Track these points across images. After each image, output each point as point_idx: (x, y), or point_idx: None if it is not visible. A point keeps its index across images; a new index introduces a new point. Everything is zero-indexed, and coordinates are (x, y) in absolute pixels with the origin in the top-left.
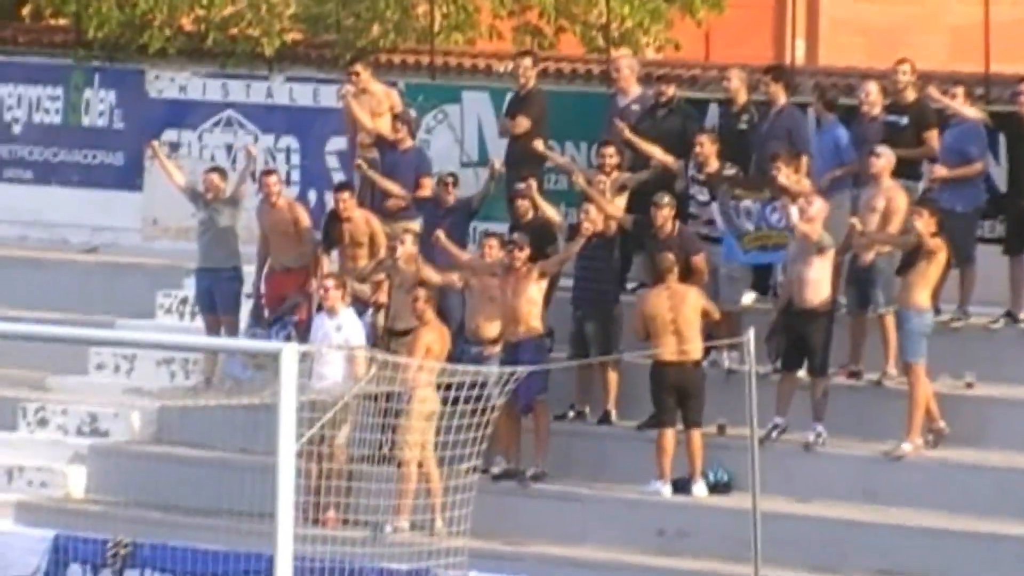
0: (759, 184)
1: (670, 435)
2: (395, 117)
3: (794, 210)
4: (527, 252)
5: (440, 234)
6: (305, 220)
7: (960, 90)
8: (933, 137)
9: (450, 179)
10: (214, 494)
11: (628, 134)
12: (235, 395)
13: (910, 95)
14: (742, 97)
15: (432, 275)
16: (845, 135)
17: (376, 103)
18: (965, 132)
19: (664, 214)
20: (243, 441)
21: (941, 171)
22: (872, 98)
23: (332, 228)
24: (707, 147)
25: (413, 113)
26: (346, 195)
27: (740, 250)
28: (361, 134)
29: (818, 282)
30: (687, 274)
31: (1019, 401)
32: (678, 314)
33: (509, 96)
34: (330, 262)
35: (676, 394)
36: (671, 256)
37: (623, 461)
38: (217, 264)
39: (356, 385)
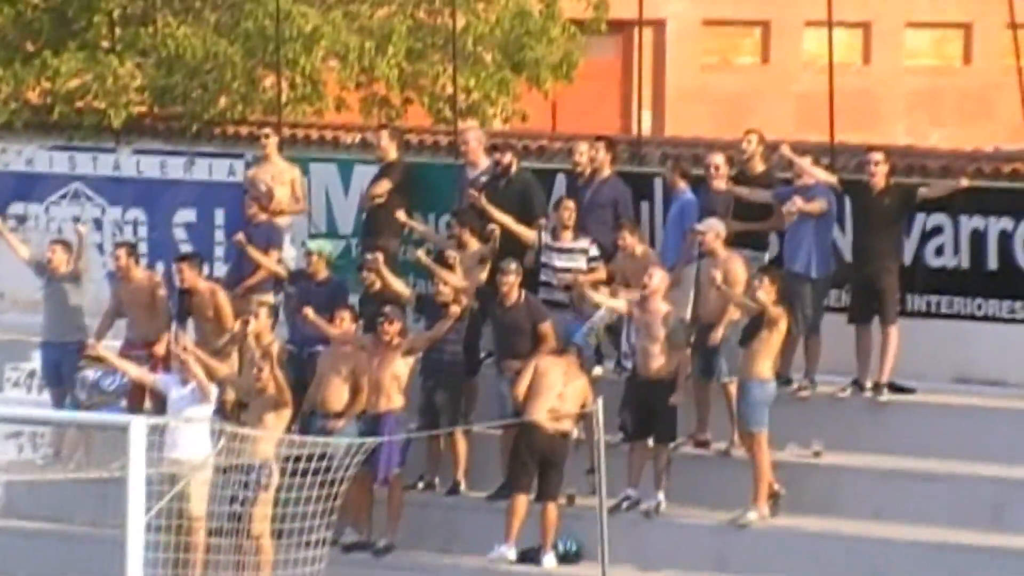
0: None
1: (524, 500)
2: (251, 190)
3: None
4: (398, 326)
5: (308, 311)
6: (162, 292)
7: (808, 159)
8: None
9: (315, 249)
10: (63, 568)
11: (484, 203)
12: (83, 468)
13: (758, 166)
14: (589, 168)
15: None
16: (693, 203)
17: (277, 172)
18: (817, 193)
19: (510, 281)
20: (93, 514)
21: (798, 202)
22: (721, 171)
23: (183, 301)
24: (571, 215)
25: (303, 189)
26: (184, 266)
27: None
28: (253, 208)
29: (661, 352)
30: (535, 342)
31: (867, 469)
32: (567, 387)
33: (359, 172)
34: (184, 334)
35: (539, 462)
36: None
37: (473, 531)
38: (63, 338)
39: (204, 458)
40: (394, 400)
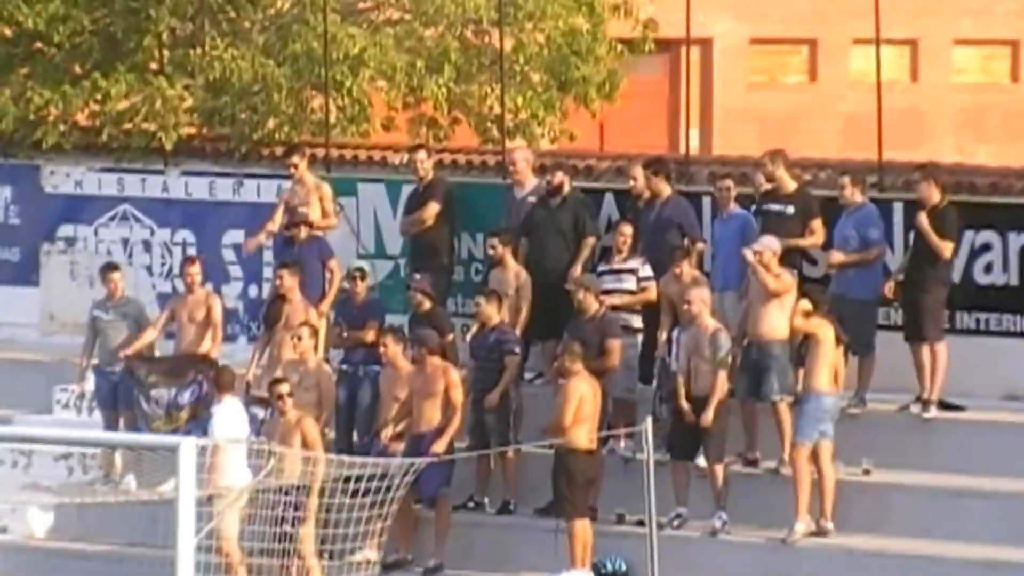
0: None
1: (584, 524)
2: (291, 215)
3: (698, 293)
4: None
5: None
6: (217, 310)
7: (847, 179)
8: (818, 226)
9: (357, 273)
10: None
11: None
12: (132, 491)
13: (788, 185)
14: (647, 192)
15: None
16: (751, 221)
17: (305, 193)
18: (866, 216)
19: (585, 298)
20: (141, 535)
21: (838, 256)
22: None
23: (273, 307)
24: (626, 240)
25: (339, 207)
26: (285, 272)
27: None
28: (270, 224)
29: (710, 371)
30: (600, 356)
31: (917, 487)
32: (596, 403)
33: (407, 192)
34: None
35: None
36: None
37: (523, 550)
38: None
39: (255, 479)
40: (435, 420)
